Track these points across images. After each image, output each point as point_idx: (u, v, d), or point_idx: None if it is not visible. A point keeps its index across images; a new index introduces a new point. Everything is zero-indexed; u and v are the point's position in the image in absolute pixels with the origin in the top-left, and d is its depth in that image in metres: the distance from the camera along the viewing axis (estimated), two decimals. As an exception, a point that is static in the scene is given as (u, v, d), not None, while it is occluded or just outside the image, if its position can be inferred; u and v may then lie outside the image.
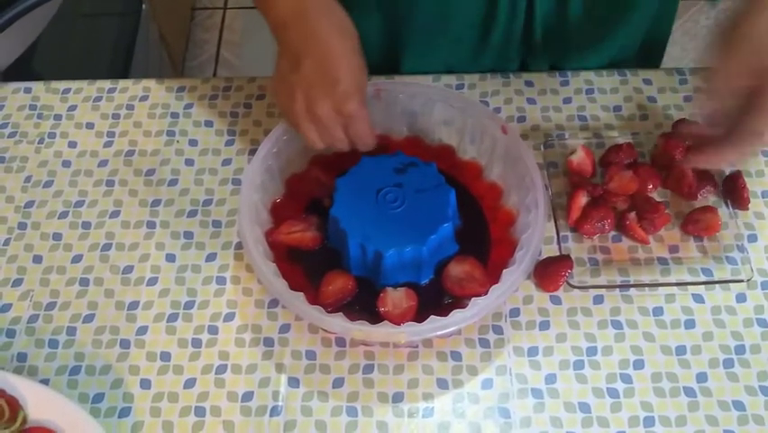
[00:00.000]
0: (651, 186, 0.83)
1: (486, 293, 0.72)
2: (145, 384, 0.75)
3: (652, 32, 0.98)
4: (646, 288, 0.79)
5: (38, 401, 0.71)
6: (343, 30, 0.72)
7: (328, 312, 0.71)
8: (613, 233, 0.82)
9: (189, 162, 0.89)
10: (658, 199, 0.83)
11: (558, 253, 0.81)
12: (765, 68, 0.65)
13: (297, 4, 0.72)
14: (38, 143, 0.92)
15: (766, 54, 0.65)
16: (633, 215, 0.81)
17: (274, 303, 0.79)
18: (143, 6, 1.69)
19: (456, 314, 0.70)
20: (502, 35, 0.92)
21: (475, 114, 0.83)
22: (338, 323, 0.70)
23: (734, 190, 0.83)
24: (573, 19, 0.91)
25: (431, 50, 0.95)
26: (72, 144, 0.92)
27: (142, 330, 0.78)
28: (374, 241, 0.74)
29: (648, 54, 1.02)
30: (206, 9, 2.26)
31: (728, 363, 0.75)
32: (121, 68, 1.56)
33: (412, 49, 0.95)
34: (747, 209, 0.83)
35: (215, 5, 2.27)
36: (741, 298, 0.78)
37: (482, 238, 0.80)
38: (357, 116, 0.73)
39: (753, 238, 0.82)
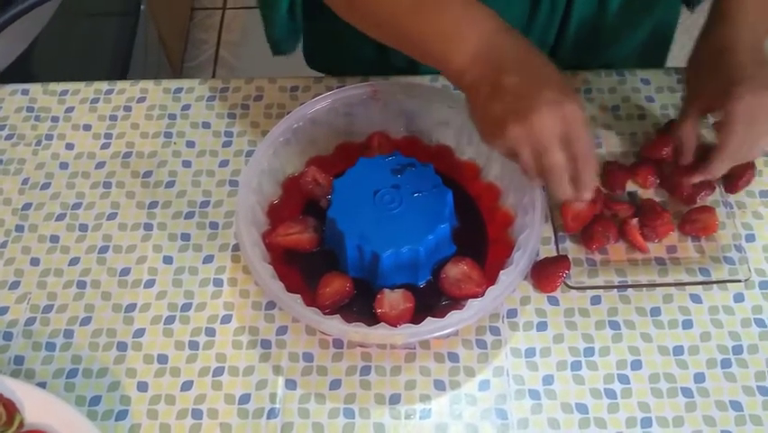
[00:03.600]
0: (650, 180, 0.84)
1: (483, 294, 0.71)
2: (142, 387, 0.75)
3: (658, 26, 0.98)
4: (644, 288, 0.79)
5: (35, 405, 0.71)
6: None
7: (325, 314, 0.71)
8: (611, 233, 0.82)
9: (186, 164, 0.89)
10: (657, 199, 0.83)
11: (555, 254, 0.80)
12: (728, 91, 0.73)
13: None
14: (35, 145, 0.92)
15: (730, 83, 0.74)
16: (635, 221, 0.80)
17: (271, 305, 0.79)
18: (142, 6, 1.69)
19: (453, 315, 0.70)
20: (537, 40, 0.91)
21: (472, 114, 0.82)
22: (335, 325, 0.70)
23: (732, 177, 0.83)
24: (608, 19, 0.90)
25: None
26: (69, 146, 0.92)
27: (140, 333, 0.78)
28: (371, 242, 0.74)
29: (653, 51, 1.02)
30: (206, 9, 2.26)
31: (726, 364, 0.75)
32: (119, 68, 1.56)
33: None
34: (735, 192, 0.84)
35: (215, 5, 2.26)
36: (739, 298, 0.78)
37: (480, 239, 0.80)
38: (579, 119, 0.65)
39: (750, 238, 0.82)
